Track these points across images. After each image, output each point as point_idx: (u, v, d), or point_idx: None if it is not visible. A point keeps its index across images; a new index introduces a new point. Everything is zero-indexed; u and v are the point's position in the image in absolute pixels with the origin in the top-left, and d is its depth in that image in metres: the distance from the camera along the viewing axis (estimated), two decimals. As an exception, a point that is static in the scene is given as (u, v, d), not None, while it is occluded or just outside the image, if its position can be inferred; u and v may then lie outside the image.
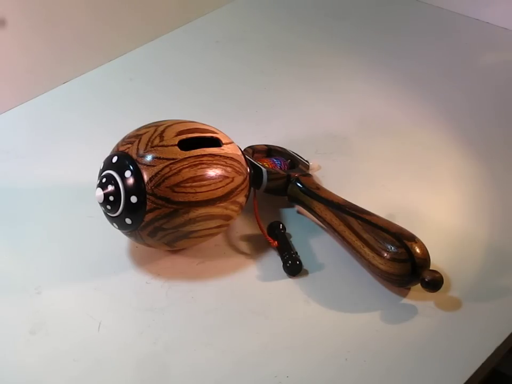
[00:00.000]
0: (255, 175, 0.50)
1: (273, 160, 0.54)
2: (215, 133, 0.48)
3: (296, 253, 0.48)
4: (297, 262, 0.48)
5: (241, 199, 0.48)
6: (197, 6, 0.79)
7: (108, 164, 0.46)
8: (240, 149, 0.50)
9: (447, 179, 0.57)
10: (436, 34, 0.78)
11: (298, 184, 0.51)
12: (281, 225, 0.51)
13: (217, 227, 0.47)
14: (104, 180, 0.46)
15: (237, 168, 0.47)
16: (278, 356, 0.43)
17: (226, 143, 0.48)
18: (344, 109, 0.66)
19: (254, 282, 0.48)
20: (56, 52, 0.67)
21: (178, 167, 0.45)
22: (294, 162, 0.55)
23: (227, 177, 0.46)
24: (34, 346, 0.43)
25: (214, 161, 0.46)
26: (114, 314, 0.46)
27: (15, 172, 0.58)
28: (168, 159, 0.45)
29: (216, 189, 0.46)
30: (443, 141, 0.61)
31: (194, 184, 0.45)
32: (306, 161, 0.55)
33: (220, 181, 0.46)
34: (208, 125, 0.49)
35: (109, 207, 0.46)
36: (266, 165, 0.52)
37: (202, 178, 0.45)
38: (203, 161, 0.46)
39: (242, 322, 0.45)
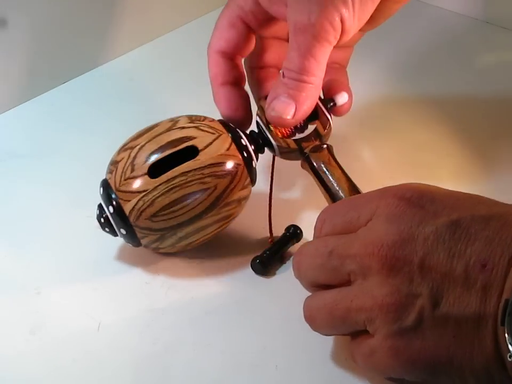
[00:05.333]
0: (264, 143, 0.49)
1: None
2: (192, 137, 0.45)
3: (273, 253, 0.48)
4: (257, 261, 0.48)
5: (236, 195, 0.46)
6: (196, 6, 0.79)
7: (100, 192, 0.47)
8: (234, 132, 0.47)
9: (447, 179, 0.57)
10: (436, 34, 0.78)
11: (309, 161, 0.48)
12: (292, 229, 0.50)
13: (216, 229, 0.47)
14: (98, 212, 0.47)
15: (218, 173, 0.45)
16: (278, 356, 0.43)
17: (206, 146, 0.45)
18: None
19: (254, 282, 0.48)
20: (56, 51, 0.67)
21: (151, 198, 0.44)
22: (314, 113, 0.48)
23: (206, 189, 0.44)
24: (34, 346, 0.43)
25: (188, 179, 0.44)
26: (114, 314, 0.46)
27: (15, 172, 0.58)
28: (139, 192, 0.44)
29: (197, 205, 0.44)
30: (443, 141, 0.61)
31: (171, 209, 0.44)
32: (329, 112, 0.49)
33: (199, 197, 0.44)
34: (189, 123, 0.46)
35: (109, 231, 0.47)
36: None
37: (178, 201, 0.44)
38: (175, 184, 0.44)
39: (242, 322, 0.45)
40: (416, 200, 0.32)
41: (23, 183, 0.57)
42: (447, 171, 0.58)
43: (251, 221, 0.51)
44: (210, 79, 0.48)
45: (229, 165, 0.45)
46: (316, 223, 0.37)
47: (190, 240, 0.46)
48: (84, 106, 0.66)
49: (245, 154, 0.47)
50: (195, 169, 0.44)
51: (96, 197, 0.54)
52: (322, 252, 0.34)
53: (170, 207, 0.44)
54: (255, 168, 0.48)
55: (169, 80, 0.69)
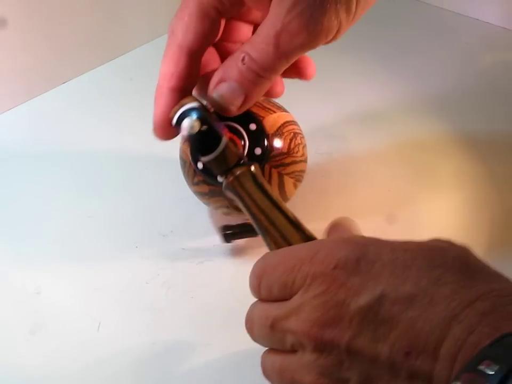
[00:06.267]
0: None
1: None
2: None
3: (232, 228, 0.48)
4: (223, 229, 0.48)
5: (192, 189, 0.49)
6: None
7: None
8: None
9: (448, 179, 0.57)
10: (436, 34, 0.78)
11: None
12: None
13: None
14: None
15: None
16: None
17: None
18: (344, 109, 0.66)
19: (254, 282, 0.48)
20: (56, 51, 0.67)
21: None
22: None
23: None
24: (34, 346, 0.43)
25: None
26: (114, 314, 0.46)
27: (15, 172, 0.58)
28: None
29: None
30: (443, 141, 0.61)
31: None
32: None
33: None
34: None
35: None
36: None
37: None
38: None
39: (242, 322, 0.45)
40: (341, 271, 0.31)
41: (23, 183, 0.57)
42: (447, 171, 0.58)
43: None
44: (160, 74, 0.40)
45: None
46: (253, 278, 0.35)
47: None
48: (84, 106, 0.66)
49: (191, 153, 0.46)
50: None
51: (96, 197, 0.54)
52: (264, 323, 0.34)
53: None
54: (200, 169, 0.45)
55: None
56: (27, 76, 0.65)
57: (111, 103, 0.66)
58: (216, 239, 0.50)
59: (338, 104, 0.66)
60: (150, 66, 0.72)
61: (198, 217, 0.52)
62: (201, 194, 0.48)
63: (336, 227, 0.39)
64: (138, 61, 0.73)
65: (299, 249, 0.34)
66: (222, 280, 0.48)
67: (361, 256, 0.31)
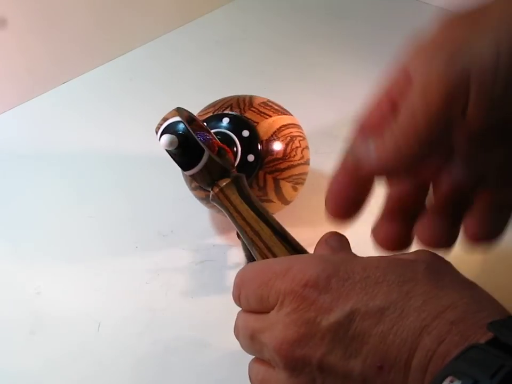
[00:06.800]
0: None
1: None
2: None
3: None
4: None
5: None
6: (196, 6, 0.79)
7: None
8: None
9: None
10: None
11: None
12: None
13: None
14: None
15: None
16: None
17: None
18: (344, 109, 0.66)
19: (254, 282, 0.48)
20: (55, 51, 0.67)
21: None
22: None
23: None
24: (34, 346, 0.43)
25: None
26: (114, 314, 0.46)
27: (15, 172, 0.58)
28: None
29: None
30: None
31: None
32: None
33: None
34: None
35: None
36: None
37: None
38: None
39: (242, 322, 0.45)
40: (311, 289, 0.31)
41: (23, 183, 0.57)
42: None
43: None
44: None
45: None
46: (233, 288, 0.36)
47: None
48: (84, 106, 0.66)
49: None
50: None
51: (96, 197, 0.54)
52: (246, 333, 0.35)
53: None
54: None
55: (169, 80, 0.69)
56: (27, 76, 0.66)
57: (111, 103, 0.66)
58: (216, 239, 0.50)
59: (339, 104, 0.66)
60: (150, 66, 0.72)
61: (198, 217, 0.52)
62: (199, 199, 0.48)
63: (325, 241, 0.39)
64: (138, 61, 0.73)
65: (274, 264, 0.34)
66: (222, 280, 0.48)
67: (332, 274, 0.31)
